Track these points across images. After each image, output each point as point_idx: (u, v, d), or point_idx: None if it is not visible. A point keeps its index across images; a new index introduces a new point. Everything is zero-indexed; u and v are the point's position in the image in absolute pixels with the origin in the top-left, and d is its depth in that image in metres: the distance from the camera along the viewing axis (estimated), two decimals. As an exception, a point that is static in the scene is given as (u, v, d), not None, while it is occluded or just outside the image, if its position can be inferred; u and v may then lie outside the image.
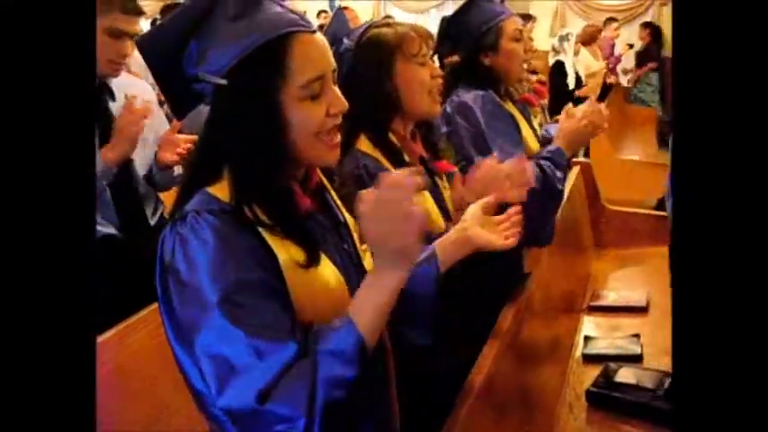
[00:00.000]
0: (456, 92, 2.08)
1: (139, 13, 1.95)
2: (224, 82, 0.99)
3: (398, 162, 1.52)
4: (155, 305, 1.68)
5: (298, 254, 1.00)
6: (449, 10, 10.19)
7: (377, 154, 1.52)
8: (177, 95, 1.09)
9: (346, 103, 1.05)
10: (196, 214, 0.97)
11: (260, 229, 0.99)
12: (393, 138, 1.55)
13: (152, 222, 2.10)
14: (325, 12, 8.52)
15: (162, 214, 2.15)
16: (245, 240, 0.96)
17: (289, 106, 1.00)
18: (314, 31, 1.03)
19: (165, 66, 1.04)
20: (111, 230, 2.00)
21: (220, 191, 1.01)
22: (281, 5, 1.04)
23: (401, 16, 9.45)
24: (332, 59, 1.05)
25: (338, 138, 1.06)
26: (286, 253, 0.99)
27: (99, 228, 1.97)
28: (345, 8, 6.72)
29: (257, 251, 0.97)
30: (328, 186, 1.17)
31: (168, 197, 2.16)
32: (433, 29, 2.30)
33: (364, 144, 1.52)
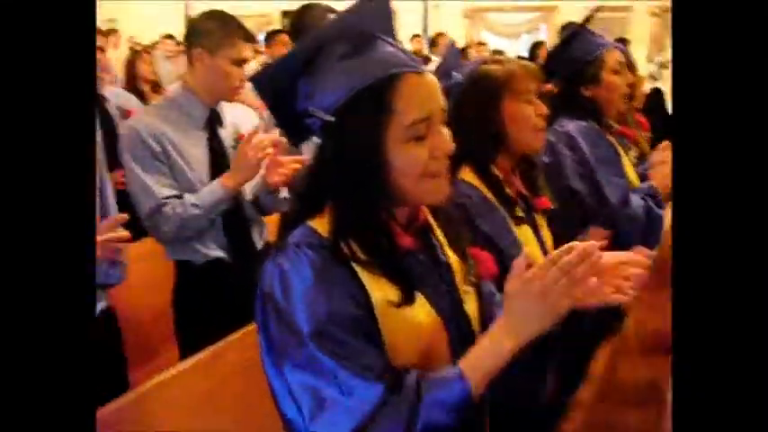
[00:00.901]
0: (558, 122, 2.07)
1: (254, 39, 2.05)
2: (331, 119, 1.00)
3: (501, 195, 1.54)
4: (244, 329, 1.75)
5: (392, 292, 1.00)
6: (541, 35, 10.14)
7: (480, 185, 1.54)
8: (290, 129, 1.12)
9: (452, 145, 1.04)
10: (296, 247, 0.99)
11: (356, 266, 0.99)
12: (496, 171, 1.56)
13: (258, 246, 2.16)
14: (418, 36, 8.59)
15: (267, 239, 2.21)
16: (340, 277, 0.98)
17: (393, 147, 0.99)
18: (422, 72, 1.03)
19: (278, 101, 1.08)
20: (220, 254, 2.07)
21: (321, 225, 1.02)
22: (392, 44, 1.04)
23: (492, 41, 9.42)
24: (441, 100, 1.03)
25: (445, 178, 1.05)
26: (380, 291, 0.99)
27: (208, 251, 2.05)
28: (440, 34, 6.79)
29: (352, 288, 0.98)
30: (434, 225, 1.16)
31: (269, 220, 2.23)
32: (524, 53, 2.29)
33: (468, 175, 1.54)
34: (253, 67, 2.16)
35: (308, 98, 1.03)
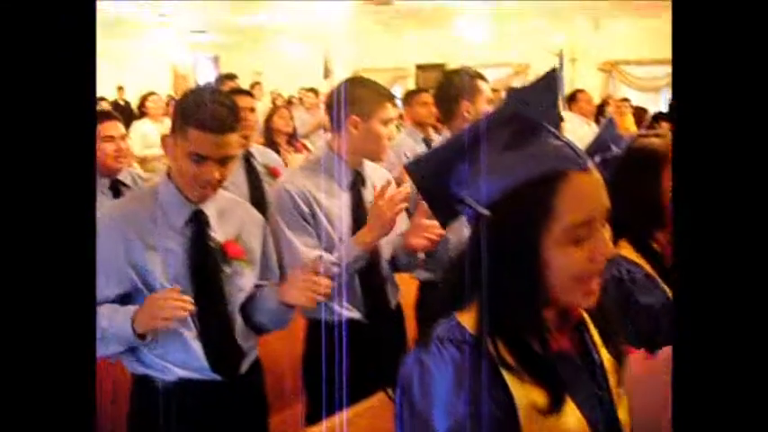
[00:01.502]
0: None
1: (395, 97, 2.13)
2: (487, 213, 0.96)
3: (662, 270, 1.47)
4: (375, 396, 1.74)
5: (539, 397, 0.93)
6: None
7: (640, 260, 1.49)
8: (439, 212, 1.10)
9: (613, 249, 0.98)
10: (439, 342, 0.95)
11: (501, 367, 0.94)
12: (655, 245, 1.52)
13: (392, 306, 2.17)
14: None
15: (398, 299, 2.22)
16: (484, 377, 0.92)
17: (549, 248, 0.93)
18: (588, 168, 0.96)
19: (430, 184, 1.05)
20: (356, 315, 2.09)
21: (468, 319, 0.97)
22: (558, 136, 0.99)
23: (631, 95, 9.15)
24: (605, 200, 0.97)
25: (597, 283, 0.97)
26: (525, 395, 0.93)
27: (345, 312, 2.07)
28: (580, 91, 6.66)
29: (495, 390, 0.93)
30: (588, 322, 1.08)
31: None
32: (664, 108, 2.20)
33: (626, 249, 1.49)
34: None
35: (464, 186, 0.99)
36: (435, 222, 1.91)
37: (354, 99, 2.07)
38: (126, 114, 8.88)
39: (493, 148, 0.97)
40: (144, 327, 1.60)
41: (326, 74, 13.44)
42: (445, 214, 1.09)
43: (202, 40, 13.46)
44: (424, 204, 1.90)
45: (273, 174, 3.22)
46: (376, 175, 2.21)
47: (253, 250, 1.81)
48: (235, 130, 1.66)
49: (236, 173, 3.11)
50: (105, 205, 1.76)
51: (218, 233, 1.73)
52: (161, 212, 1.68)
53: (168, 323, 1.59)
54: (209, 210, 1.73)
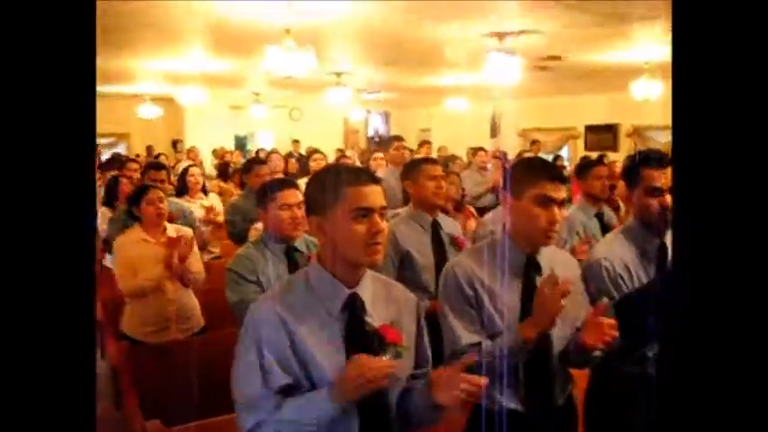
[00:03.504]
0: None
1: (565, 180, 1.99)
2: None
3: None
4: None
5: None
6: None
7: None
8: (635, 341, 1.02)
9: None
10: None
11: None
12: None
13: (559, 401, 2.04)
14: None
15: (570, 393, 2.08)
16: None
17: None
18: None
19: (636, 321, 0.99)
20: (516, 406, 1.99)
21: None
22: None
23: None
24: None
25: None
26: None
27: (504, 401, 1.98)
28: None
29: None
30: None
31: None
32: None
33: None
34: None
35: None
36: (614, 322, 1.77)
37: (512, 177, 2.01)
38: (299, 166, 9.39)
39: None
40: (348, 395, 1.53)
41: (494, 132, 13.42)
42: (638, 344, 1.01)
43: (374, 97, 14.03)
44: (605, 302, 1.78)
45: (458, 244, 3.24)
46: (557, 262, 2.09)
47: (409, 334, 1.73)
48: (378, 183, 1.64)
49: (424, 240, 3.18)
50: (263, 297, 1.72)
51: (374, 317, 1.65)
52: (316, 300, 1.62)
53: (378, 382, 1.53)
54: (364, 293, 1.65)
